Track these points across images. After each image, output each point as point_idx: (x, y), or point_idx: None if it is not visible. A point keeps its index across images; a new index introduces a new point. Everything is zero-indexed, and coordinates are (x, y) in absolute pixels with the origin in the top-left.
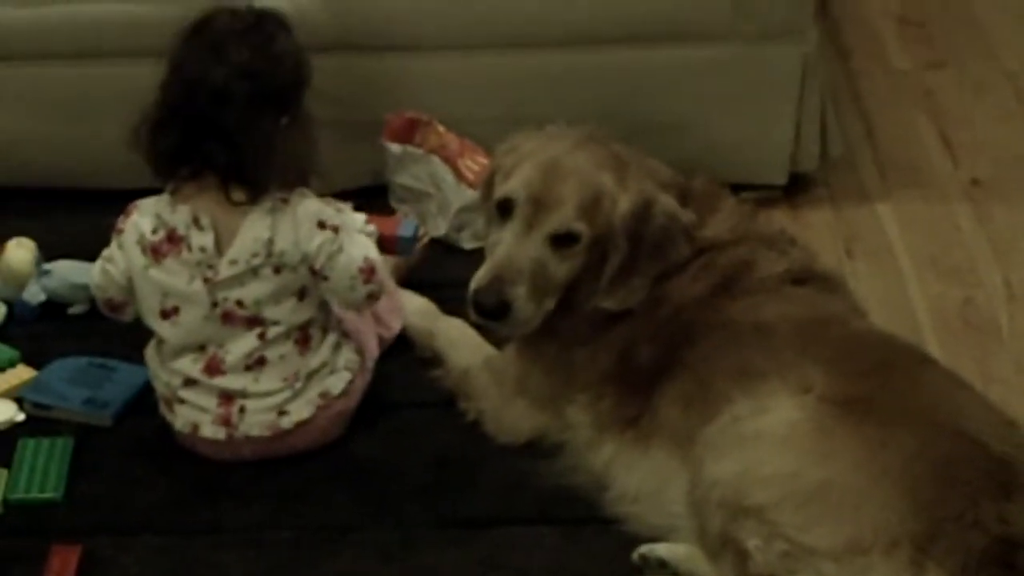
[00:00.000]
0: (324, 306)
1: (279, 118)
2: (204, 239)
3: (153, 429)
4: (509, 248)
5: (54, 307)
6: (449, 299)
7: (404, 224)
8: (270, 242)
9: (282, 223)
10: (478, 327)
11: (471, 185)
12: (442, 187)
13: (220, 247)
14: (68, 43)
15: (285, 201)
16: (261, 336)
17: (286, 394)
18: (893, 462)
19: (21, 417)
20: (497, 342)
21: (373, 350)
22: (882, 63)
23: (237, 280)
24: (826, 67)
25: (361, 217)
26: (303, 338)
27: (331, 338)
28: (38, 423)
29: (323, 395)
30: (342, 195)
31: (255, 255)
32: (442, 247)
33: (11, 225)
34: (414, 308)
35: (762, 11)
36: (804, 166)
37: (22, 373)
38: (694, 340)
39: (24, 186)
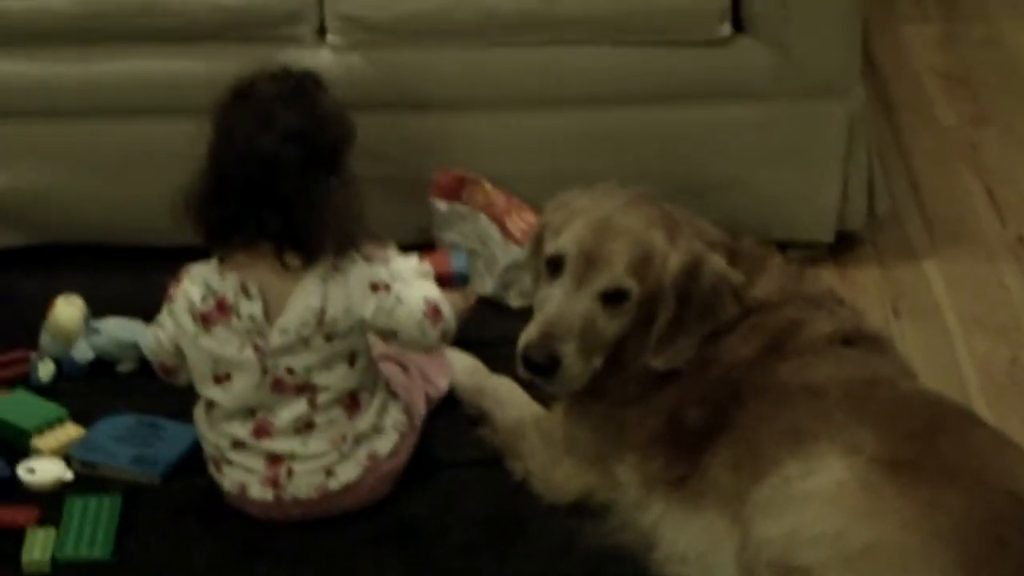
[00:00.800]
0: (373, 368)
1: (329, 178)
2: (253, 307)
3: (201, 488)
4: (559, 304)
5: (102, 365)
6: (496, 357)
7: (455, 257)
8: (321, 311)
9: (333, 291)
10: (526, 385)
11: (518, 243)
12: (489, 245)
13: (269, 315)
14: (115, 100)
15: (336, 268)
16: (311, 402)
17: (333, 456)
18: (942, 523)
19: (69, 475)
20: (545, 401)
21: (420, 408)
22: (928, 119)
23: (288, 349)
24: (872, 124)
25: (412, 259)
26: (353, 403)
27: (379, 399)
28: (86, 481)
29: (371, 456)
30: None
31: (305, 324)
32: (489, 305)
33: (60, 282)
34: (462, 366)
35: (808, 69)
36: (851, 223)
37: (70, 431)
38: (743, 401)
39: (73, 243)
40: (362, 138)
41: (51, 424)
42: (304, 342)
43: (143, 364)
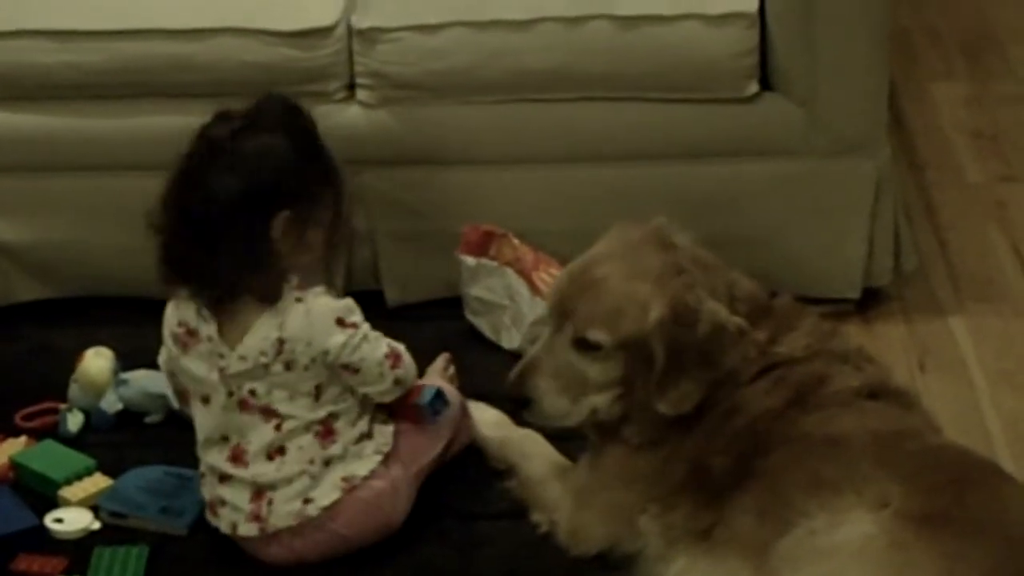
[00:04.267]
0: (351, 399)
1: (267, 219)
2: (209, 328)
3: (227, 538)
4: (540, 347)
5: (131, 416)
6: None
7: (426, 390)
8: (279, 341)
9: (293, 321)
10: (549, 436)
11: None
12: (516, 299)
13: (223, 335)
14: (144, 154)
15: (299, 300)
16: (277, 428)
17: (306, 480)
18: None
19: (97, 525)
20: (570, 454)
21: (424, 446)
22: (955, 176)
23: (247, 374)
24: (899, 181)
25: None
26: (326, 431)
27: (359, 427)
28: (114, 532)
29: (346, 479)
30: (418, 307)
31: (263, 353)
32: (516, 360)
33: (90, 334)
34: (487, 419)
35: (835, 126)
36: (877, 280)
37: (99, 482)
38: (768, 452)
39: (103, 296)
40: (391, 193)
41: (79, 475)
42: (264, 368)
43: (171, 416)
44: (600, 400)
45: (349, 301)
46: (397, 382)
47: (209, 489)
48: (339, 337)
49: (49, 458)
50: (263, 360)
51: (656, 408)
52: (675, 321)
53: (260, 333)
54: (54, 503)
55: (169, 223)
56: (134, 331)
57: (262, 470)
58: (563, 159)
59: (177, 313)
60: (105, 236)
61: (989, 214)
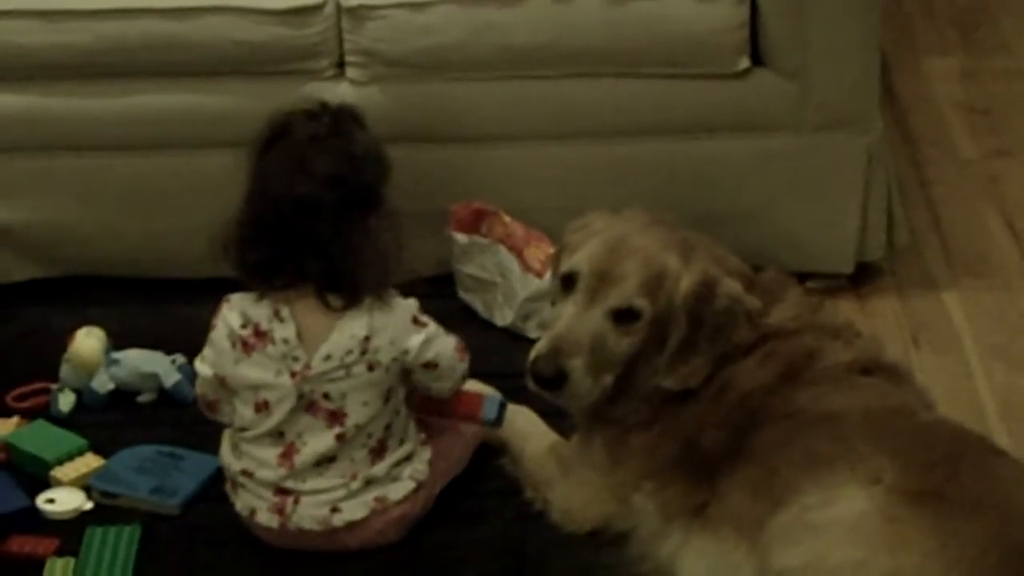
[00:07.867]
0: (405, 416)
1: (367, 218)
2: (286, 331)
3: (220, 518)
4: (570, 320)
5: (122, 396)
6: (516, 388)
7: (488, 403)
8: (366, 340)
9: (379, 321)
10: (543, 413)
11: (537, 274)
12: (508, 276)
13: (303, 338)
14: (134, 134)
15: (381, 299)
16: (339, 437)
17: (341, 492)
18: (964, 553)
19: (89, 505)
20: (563, 431)
21: (447, 470)
22: (948, 151)
23: (328, 375)
24: (892, 156)
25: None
26: (380, 448)
27: (405, 448)
28: (106, 511)
29: (379, 499)
30: (407, 285)
31: (349, 352)
32: (508, 336)
33: (81, 314)
34: None
35: (827, 101)
36: (870, 255)
37: (91, 461)
38: (761, 427)
39: (94, 275)
40: None
41: (71, 455)
42: (346, 369)
43: (162, 395)
44: (610, 380)
45: (414, 300)
46: (463, 376)
47: (232, 467)
48: (418, 336)
49: (41, 438)
50: (348, 360)
51: (662, 384)
52: (699, 294)
53: (347, 332)
54: (46, 483)
55: (260, 223)
56: (125, 311)
57: (302, 476)
58: (553, 136)
59: (243, 315)
60: (96, 216)
61: (982, 189)
